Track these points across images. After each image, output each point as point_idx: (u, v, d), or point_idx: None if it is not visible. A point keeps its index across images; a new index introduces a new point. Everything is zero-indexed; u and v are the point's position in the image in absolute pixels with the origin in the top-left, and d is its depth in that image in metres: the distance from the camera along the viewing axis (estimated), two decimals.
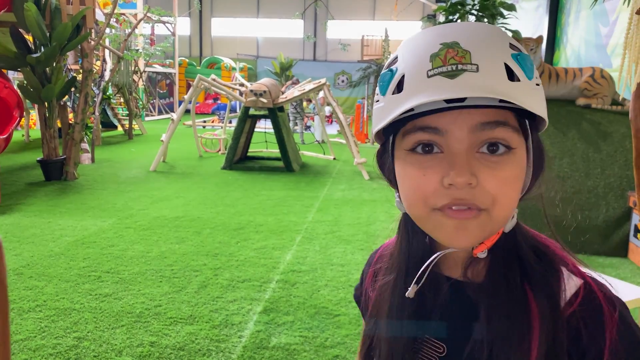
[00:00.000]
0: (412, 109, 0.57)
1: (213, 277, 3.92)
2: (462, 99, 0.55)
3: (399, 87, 0.59)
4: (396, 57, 0.62)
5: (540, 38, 5.22)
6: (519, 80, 0.56)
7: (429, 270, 0.66)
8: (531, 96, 0.57)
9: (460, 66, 0.55)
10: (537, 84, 0.59)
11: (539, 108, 0.59)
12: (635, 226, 4.44)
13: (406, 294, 0.66)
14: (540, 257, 0.63)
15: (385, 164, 0.68)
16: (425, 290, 0.66)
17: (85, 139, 8.77)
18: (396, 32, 24.37)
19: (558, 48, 8.25)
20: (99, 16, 9.08)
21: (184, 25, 28.02)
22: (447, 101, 0.56)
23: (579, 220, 4.69)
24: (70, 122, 7.72)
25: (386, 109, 0.60)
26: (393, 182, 0.67)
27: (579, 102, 5.17)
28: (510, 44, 0.58)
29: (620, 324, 0.58)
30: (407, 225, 0.69)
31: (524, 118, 0.60)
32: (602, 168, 4.75)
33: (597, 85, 5.11)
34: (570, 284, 0.61)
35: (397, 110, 0.57)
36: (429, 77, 0.56)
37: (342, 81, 23.76)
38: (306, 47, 28.86)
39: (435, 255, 0.65)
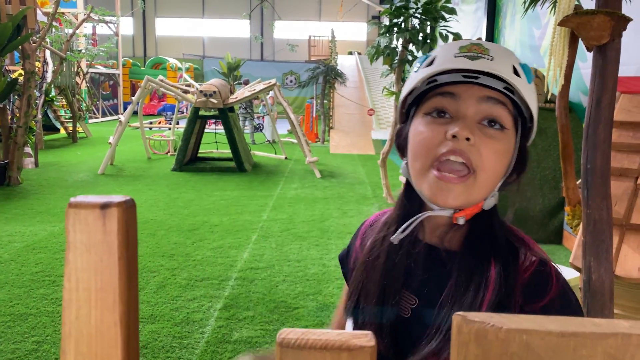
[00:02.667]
0: (435, 80, 0.74)
1: (171, 277, 3.96)
2: (476, 77, 0.72)
3: (430, 64, 0.75)
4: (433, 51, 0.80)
5: (479, 40, 5.53)
6: (520, 77, 0.73)
7: (412, 228, 0.77)
8: (528, 93, 0.73)
9: (480, 54, 0.72)
10: (533, 90, 0.76)
11: (533, 105, 0.75)
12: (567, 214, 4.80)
13: (391, 238, 0.78)
14: (509, 239, 0.77)
15: (402, 134, 0.81)
16: (407, 250, 0.79)
17: (27, 143, 8.48)
18: (342, 33, 24.70)
19: None
20: (39, 16, 8.81)
21: (126, 25, 27.33)
22: (465, 77, 0.72)
23: (518, 211, 5.02)
24: (10, 125, 7.46)
25: (416, 77, 0.76)
26: (403, 151, 0.81)
27: None
28: (516, 59, 0.76)
29: (561, 288, 0.73)
30: (407, 192, 0.81)
31: (517, 116, 0.76)
32: (538, 162, 5.10)
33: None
34: (529, 259, 0.75)
35: (427, 74, 0.74)
36: (455, 57, 0.73)
37: (291, 81, 23.88)
38: (253, 47, 28.78)
39: (423, 214, 0.77)
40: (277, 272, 4.11)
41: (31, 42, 7.40)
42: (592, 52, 1.56)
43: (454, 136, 0.70)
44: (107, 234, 0.34)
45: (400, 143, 0.82)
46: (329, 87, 13.60)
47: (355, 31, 28.34)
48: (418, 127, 0.75)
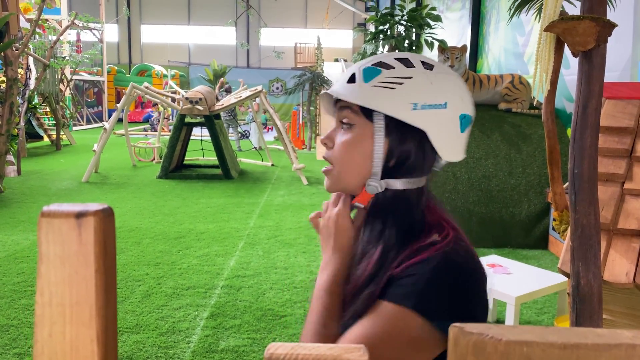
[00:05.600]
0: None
1: (156, 286, 3.90)
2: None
3: None
4: None
5: (464, 47, 5.57)
6: (354, 82, 0.85)
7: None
8: (362, 92, 0.84)
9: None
10: (375, 86, 0.84)
11: (368, 101, 0.83)
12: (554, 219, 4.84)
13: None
14: (413, 223, 0.84)
15: None
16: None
17: (10, 151, 8.35)
18: (328, 40, 24.78)
19: (481, 56, 8.76)
20: (22, 23, 8.70)
21: (111, 32, 27.14)
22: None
23: (504, 217, 5.04)
24: None
25: None
26: None
27: (501, 106, 5.56)
28: (374, 63, 0.86)
29: (420, 262, 0.77)
30: None
31: (370, 110, 0.85)
32: (523, 167, 5.14)
33: (517, 90, 5.52)
34: (426, 241, 0.81)
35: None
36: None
37: (277, 88, 23.86)
38: (239, 54, 28.73)
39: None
40: (264, 279, 4.07)
41: (14, 48, 7.30)
42: (577, 58, 1.57)
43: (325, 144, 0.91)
44: (83, 244, 0.32)
45: None
46: (316, 94, 13.60)
47: (341, 38, 28.44)
48: None
